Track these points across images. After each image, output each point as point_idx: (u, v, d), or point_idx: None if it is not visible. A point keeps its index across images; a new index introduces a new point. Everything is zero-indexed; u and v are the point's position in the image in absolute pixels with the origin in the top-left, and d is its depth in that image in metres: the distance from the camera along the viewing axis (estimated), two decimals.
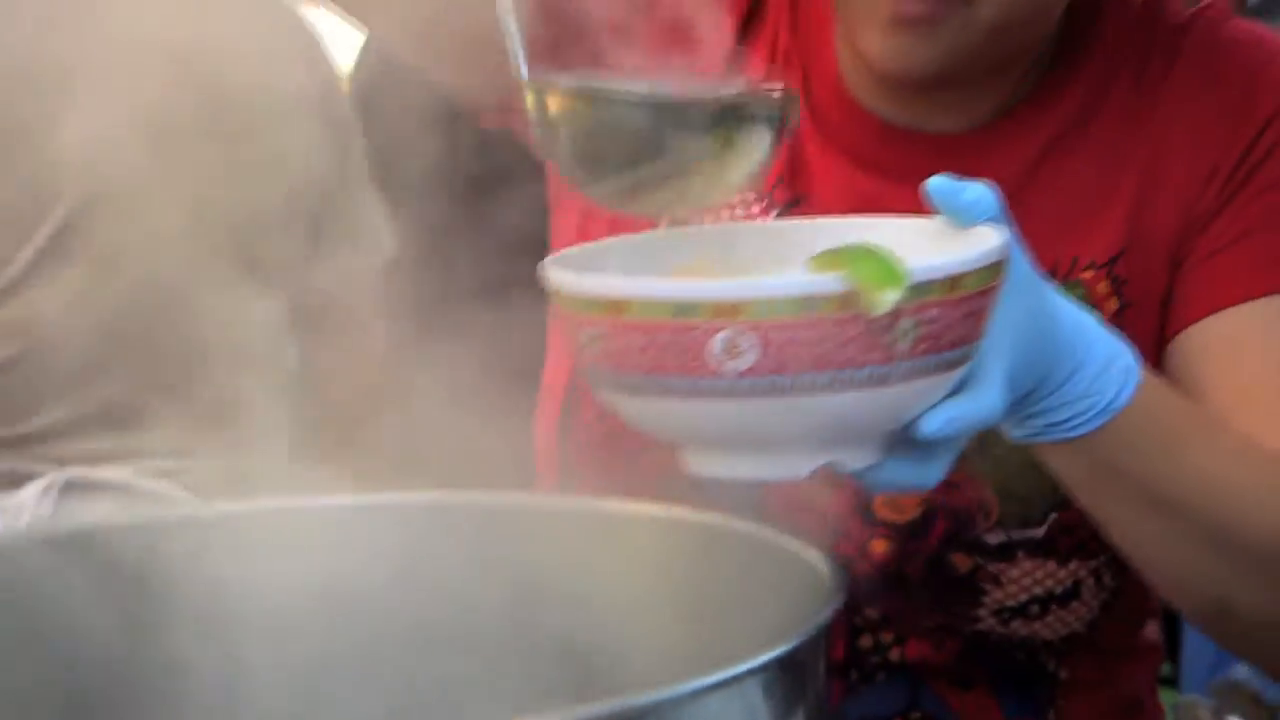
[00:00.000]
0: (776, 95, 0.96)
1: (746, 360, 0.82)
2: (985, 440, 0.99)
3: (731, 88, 0.96)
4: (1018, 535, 1.17)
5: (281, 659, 1.08)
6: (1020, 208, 1.07)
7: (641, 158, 0.94)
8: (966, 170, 1.04)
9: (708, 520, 1.01)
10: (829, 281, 0.81)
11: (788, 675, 0.81)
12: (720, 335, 0.82)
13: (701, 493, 0.99)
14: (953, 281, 0.82)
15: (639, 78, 0.95)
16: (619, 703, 0.75)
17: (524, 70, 0.93)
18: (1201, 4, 1.23)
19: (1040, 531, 1.16)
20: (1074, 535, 1.15)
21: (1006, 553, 1.17)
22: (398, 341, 1.92)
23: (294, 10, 1.88)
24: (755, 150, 0.94)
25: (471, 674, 1.07)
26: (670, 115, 0.92)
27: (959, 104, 1.18)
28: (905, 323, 0.82)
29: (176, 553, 1.07)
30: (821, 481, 0.95)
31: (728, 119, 0.93)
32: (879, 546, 1.19)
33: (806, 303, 0.81)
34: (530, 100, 0.93)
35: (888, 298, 0.80)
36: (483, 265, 1.29)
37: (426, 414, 1.14)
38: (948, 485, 1.09)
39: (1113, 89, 1.18)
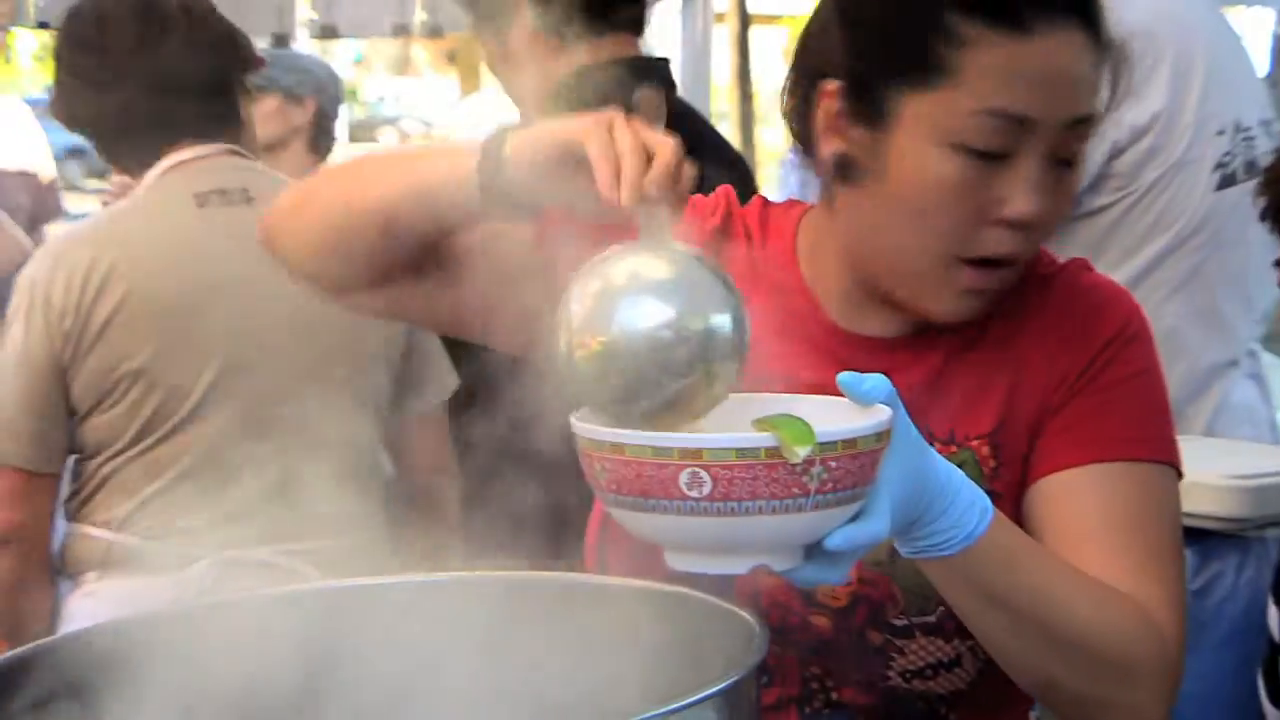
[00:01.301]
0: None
1: (704, 489, 1.03)
2: (894, 552, 1.23)
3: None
4: (917, 620, 1.39)
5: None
6: (934, 395, 1.40)
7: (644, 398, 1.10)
8: (899, 364, 1.36)
9: (677, 593, 1.23)
10: (763, 438, 1.03)
11: (731, 701, 1.03)
12: (687, 471, 1.03)
13: (691, 580, 1.17)
14: (850, 442, 1.05)
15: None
16: None
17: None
18: (1067, 259, 1.49)
19: (933, 618, 1.38)
20: (957, 620, 1.32)
21: (908, 632, 1.40)
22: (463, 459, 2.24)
23: None
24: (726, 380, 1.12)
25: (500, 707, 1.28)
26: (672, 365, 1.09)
27: (899, 317, 1.44)
28: (816, 469, 1.04)
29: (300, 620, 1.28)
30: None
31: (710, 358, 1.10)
32: (819, 622, 1.41)
33: (747, 452, 1.03)
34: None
35: (802, 451, 1.03)
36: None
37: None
38: (867, 582, 1.39)
39: (991, 321, 1.43)
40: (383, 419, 2.42)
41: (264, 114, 4.17)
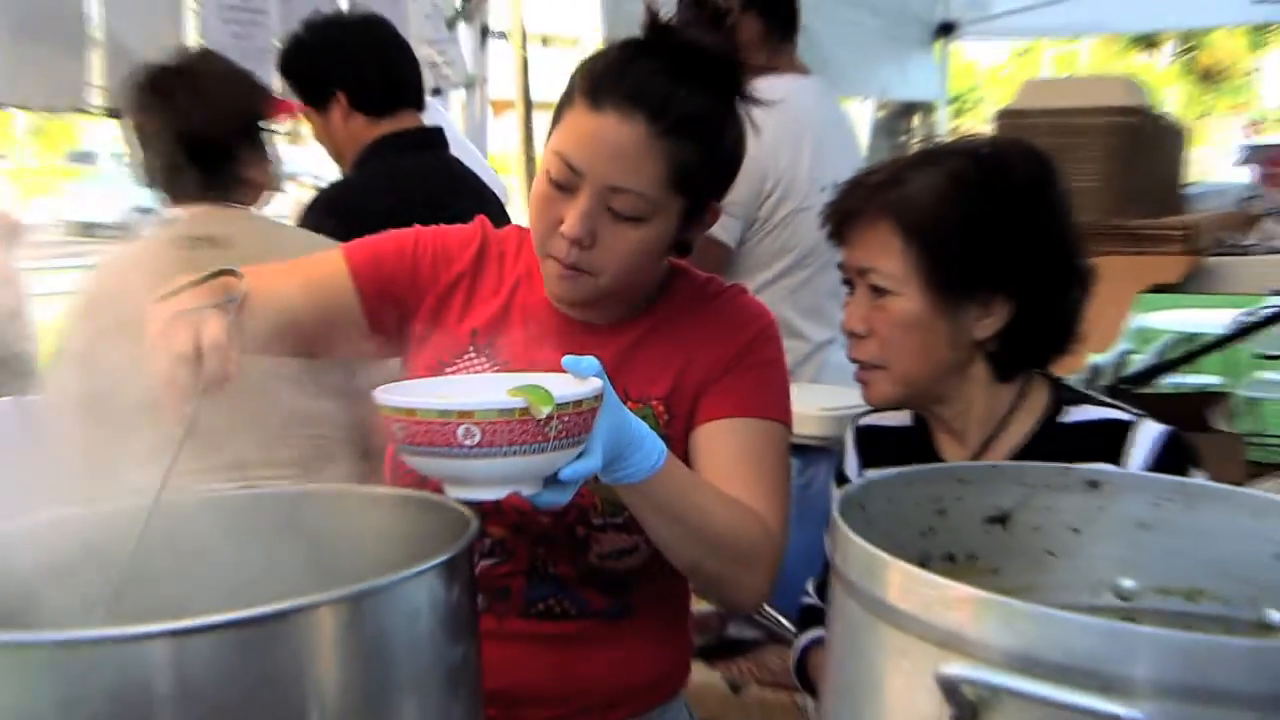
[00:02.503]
0: None
1: (475, 439, 1.02)
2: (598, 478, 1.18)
3: None
4: (610, 520, 1.39)
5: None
6: (627, 364, 1.40)
7: None
8: (603, 343, 1.36)
9: (420, 496, 1.20)
10: (517, 401, 1.02)
11: (450, 570, 1.02)
12: (462, 426, 1.02)
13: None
14: (578, 403, 1.05)
15: None
16: (363, 585, 0.94)
17: None
18: (732, 284, 1.50)
19: (620, 520, 1.37)
20: (636, 522, 1.29)
21: (603, 529, 1.40)
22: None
23: None
24: None
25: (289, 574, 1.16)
26: None
27: (603, 310, 1.43)
28: (554, 423, 1.03)
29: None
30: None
31: None
32: (543, 519, 1.40)
33: (506, 411, 1.02)
34: None
35: (545, 409, 1.02)
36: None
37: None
38: (579, 493, 1.31)
39: (675, 316, 1.45)
40: None
41: None
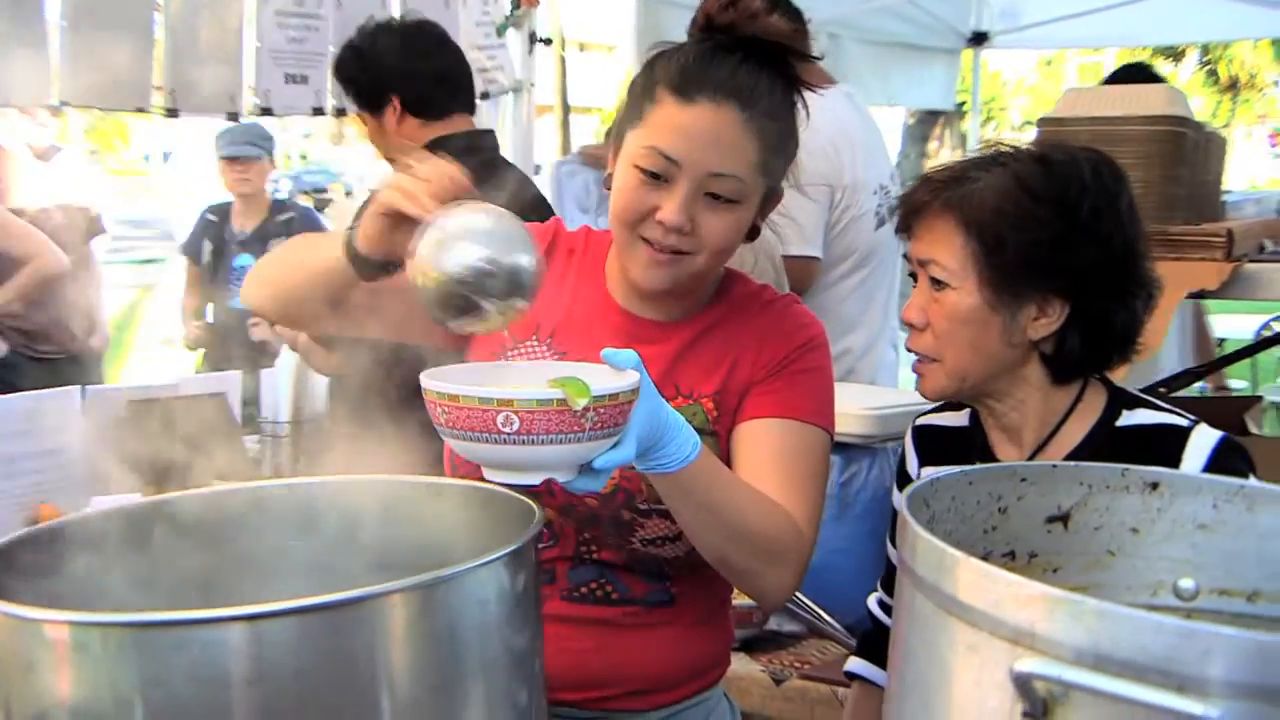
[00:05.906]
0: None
1: (514, 427, 1.01)
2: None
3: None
4: (655, 506, 1.38)
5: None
6: (682, 360, 1.40)
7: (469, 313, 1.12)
8: (661, 339, 1.37)
9: (485, 488, 1.18)
10: (555, 392, 1.01)
11: (517, 559, 1.01)
12: (502, 414, 1.01)
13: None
14: (613, 395, 1.04)
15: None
16: (435, 574, 0.93)
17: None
18: (785, 294, 1.50)
19: (665, 506, 1.33)
20: None
21: (649, 514, 1.39)
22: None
23: None
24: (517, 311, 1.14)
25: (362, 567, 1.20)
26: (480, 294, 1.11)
27: (664, 308, 1.44)
28: (590, 414, 1.02)
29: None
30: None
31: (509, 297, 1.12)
32: (591, 502, 1.40)
33: (544, 402, 1.01)
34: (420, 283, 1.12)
35: (582, 401, 1.02)
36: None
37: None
38: (627, 479, 1.37)
39: (729, 318, 1.45)
40: None
41: (259, 170, 4.09)
